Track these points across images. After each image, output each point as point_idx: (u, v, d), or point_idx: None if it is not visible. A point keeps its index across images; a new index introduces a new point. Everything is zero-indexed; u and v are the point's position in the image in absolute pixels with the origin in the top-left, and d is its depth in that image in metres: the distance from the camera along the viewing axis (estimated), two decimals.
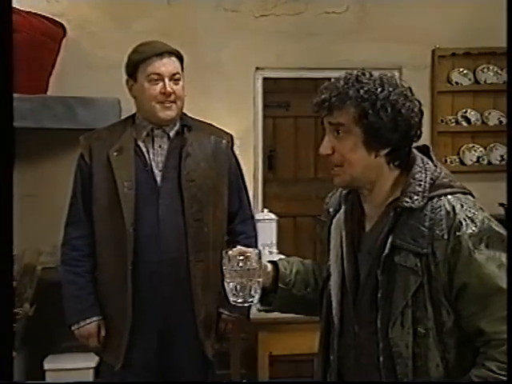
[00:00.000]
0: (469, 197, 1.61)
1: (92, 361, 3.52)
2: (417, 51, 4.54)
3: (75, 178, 2.55)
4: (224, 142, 2.61)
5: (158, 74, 2.45)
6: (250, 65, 4.48)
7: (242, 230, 2.65)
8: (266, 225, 3.20)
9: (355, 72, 1.68)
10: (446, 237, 1.54)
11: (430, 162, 1.66)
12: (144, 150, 2.51)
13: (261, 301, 1.76)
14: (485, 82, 4.64)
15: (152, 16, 4.32)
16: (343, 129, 1.61)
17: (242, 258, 1.64)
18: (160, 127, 2.52)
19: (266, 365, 2.94)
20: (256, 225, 2.72)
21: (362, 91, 1.60)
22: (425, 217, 1.57)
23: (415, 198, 1.58)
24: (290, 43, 4.48)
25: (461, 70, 4.64)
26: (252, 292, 1.64)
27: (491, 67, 4.64)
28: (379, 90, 1.59)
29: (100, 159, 2.49)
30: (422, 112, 1.63)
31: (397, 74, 4.34)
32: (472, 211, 1.56)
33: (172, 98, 2.46)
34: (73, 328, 2.52)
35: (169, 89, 2.44)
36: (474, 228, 1.54)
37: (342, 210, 1.75)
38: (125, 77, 2.55)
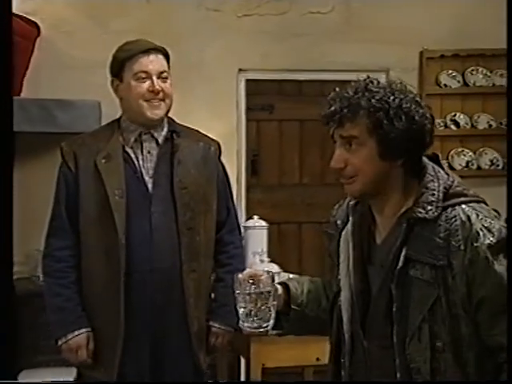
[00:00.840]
0: (483, 205, 1.61)
1: (70, 375, 3.48)
2: (404, 53, 4.57)
3: (58, 186, 2.51)
4: (212, 148, 2.62)
5: (146, 72, 2.44)
6: (232, 66, 4.49)
7: (230, 239, 2.65)
8: (257, 232, 3.18)
9: (362, 79, 1.64)
10: (462, 248, 1.53)
11: (441, 171, 1.65)
12: (133, 156, 2.49)
13: (277, 324, 1.74)
14: (474, 84, 4.67)
15: (131, 15, 4.31)
16: (356, 141, 1.59)
17: (253, 280, 1.63)
18: (148, 132, 2.51)
19: (258, 377, 2.95)
20: (245, 232, 2.73)
21: (373, 100, 1.57)
22: (439, 227, 1.56)
23: (429, 208, 1.58)
24: (273, 44, 4.49)
25: (449, 72, 4.67)
26: (267, 316, 1.63)
27: (480, 69, 4.68)
28: (391, 98, 1.57)
29: (87, 167, 2.46)
30: (433, 117, 1.63)
31: (384, 76, 4.37)
32: (488, 220, 1.56)
33: (160, 95, 2.45)
34: (60, 342, 2.47)
35: (157, 86, 2.43)
36: (491, 238, 1.53)
37: (350, 222, 1.74)
38: (109, 78, 2.52)
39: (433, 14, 4.55)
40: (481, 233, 1.53)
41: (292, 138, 4.78)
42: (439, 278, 1.54)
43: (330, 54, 4.53)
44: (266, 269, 1.67)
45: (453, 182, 1.63)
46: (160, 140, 2.52)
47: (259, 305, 1.61)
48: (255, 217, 3.18)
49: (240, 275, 1.64)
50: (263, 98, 4.71)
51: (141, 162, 2.49)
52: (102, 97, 4.05)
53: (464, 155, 4.65)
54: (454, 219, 1.56)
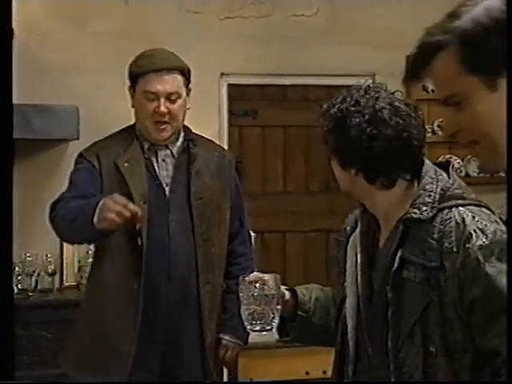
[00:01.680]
0: (483, 209, 1.61)
1: None
2: (391, 57, 4.60)
3: (77, 173, 2.48)
4: (226, 159, 2.66)
5: (153, 93, 2.45)
6: (214, 70, 4.50)
7: (243, 251, 2.69)
8: None
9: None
10: (455, 249, 1.55)
11: (443, 174, 1.67)
12: (153, 162, 2.52)
13: (279, 331, 1.78)
14: None
15: (108, 16, 4.31)
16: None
17: (259, 283, 1.69)
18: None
19: None
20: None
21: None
22: (434, 229, 1.58)
23: (424, 208, 1.60)
24: (257, 47, 4.51)
25: None
26: (270, 319, 1.67)
27: None
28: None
29: (110, 168, 2.47)
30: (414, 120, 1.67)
31: (370, 80, 4.39)
32: (484, 223, 1.56)
33: (166, 118, 2.46)
34: (97, 213, 2.20)
35: (163, 108, 2.44)
36: (484, 239, 1.53)
37: (358, 228, 1.78)
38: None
39: (420, 16, 4.59)
40: (474, 234, 1.54)
41: (276, 144, 4.80)
42: (432, 280, 1.56)
43: (314, 57, 4.56)
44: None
45: (452, 184, 1.65)
46: (175, 151, 2.55)
47: (263, 307, 1.67)
48: None
49: (247, 278, 1.70)
50: (246, 103, 4.73)
51: (157, 170, 2.52)
52: (80, 101, 4.05)
53: None
54: (448, 221, 1.58)
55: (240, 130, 4.78)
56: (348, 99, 1.67)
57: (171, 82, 2.47)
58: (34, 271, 3.98)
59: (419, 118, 1.68)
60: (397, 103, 1.66)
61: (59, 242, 4.19)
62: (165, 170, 2.52)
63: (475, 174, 4.70)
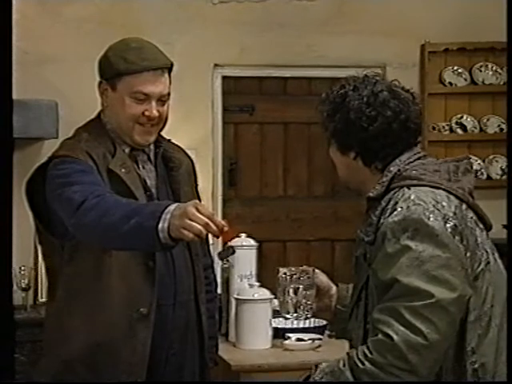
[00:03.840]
0: (438, 191, 1.77)
1: None
2: (403, 46, 4.61)
3: (83, 174, 2.26)
4: (191, 162, 2.61)
5: (146, 95, 2.36)
6: (207, 61, 4.50)
7: (208, 263, 2.64)
8: (245, 252, 3.17)
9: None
10: (379, 225, 1.78)
11: (418, 160, 1.85)
12: (136, 169, 2.42)
13: (331, 325, 2.19)
14: (483, 82, 4.72)
15: (87, 1, 4.30)
16: None
17: (296, 275, 2.04)
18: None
19: None
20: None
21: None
22: (379, 206, 1.81)
23: (377, 187, 1.83)
24: (254, 36, 4.51)
25: (455, 68, 4.72)
26: (303, 309, 2.05)
27: (490, 65, 4.73)
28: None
29: (103, 175, 2.32)
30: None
31: (380, 72, 4.40)
32: (416, 201, 1.73)
33: (155, 121, 2.39)
34: (168, 218, 2.02)
35: (155, 112, 2.36)
36: (398, 216, 1.72)
37: None
38: (97, 78, 2.45)
39: (436, 2, 4.60)
40: (395, 212, 1.73)
41: (275, 143, 4.79)
42: (367, 255, 1.80)
43: (318, 47, 4.56)
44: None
45: (413, 166, 1.82)
46: (151, 155, 2.47)
47: (299, 298, 2.04)
48: (242, 235, 3.17)
49: (281, 268, 2.06)
50: (242, 97, 4.73)
51: (145, 179, 2.43)
52: (58, 96, 4.05)
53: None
54: (391, 199, 1.78)
55: (235, 127, 4.78)
56: (347, 86, 1.86)
57: (164, 83, 2.40)
58: None
59: (417, 104, 1.88)
60: (395, 88, 1.87)
61: (33, 252, 4.19)
62: (147, 178, 2.46)
63: (498, 177, 4.69)
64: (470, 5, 4.59)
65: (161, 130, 2.46)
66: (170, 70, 2.46)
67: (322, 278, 2.10)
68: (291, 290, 2.04)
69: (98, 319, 2.33)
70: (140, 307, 2.31)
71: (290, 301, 2.04)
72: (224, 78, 4.62)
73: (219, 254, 2.14)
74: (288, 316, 2.08)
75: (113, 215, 2.10)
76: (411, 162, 1.84)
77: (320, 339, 2.93)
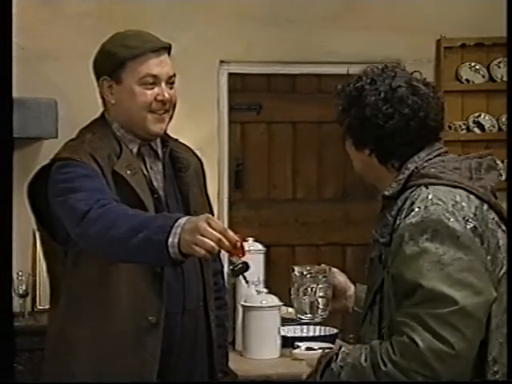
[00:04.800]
0: (457, 191, 1.75)
1: None
2: (418, 41, 4.61)
3: (78, 176, 2.26)
4: (199, 163, 2.62)
5: (155, 76, 2.37)
6: (212, 58, 4.51)
7: (217, 268, 2.65)
8: (253, 257, 3.19)
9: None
10: (396, 226, 1.76)
11: (437, 157, 1.86)
12: (143, 171, 2.42)
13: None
14: (501, 79, 4.71)
15: None
16: None
17: (312, 274, 2.03)
18: (146, 144, 2.45)
19: None
20: None
21: None
22: (395, 206, 1.79)
23: (393, 185, 1.82)
24: (261, 31, 4.52)
25: (472, 64, 4.72)
26: (319, 310, 2.05)
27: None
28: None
29: (109, 178, 2.32)
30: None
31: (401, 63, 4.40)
32: (435, 201, 1.72)
33: (167, 106, 2.40)
34: (177, 233, 2.00)
35: (167, 95, 2.38)
36: (416, 217, 1.71)
37: None
38: (97, 75, 2.44)
39: None
40: (412, 213, 1.72)
41: (283, 143, 4.79)
42: (383, 257, 1.78)
43: (328, 42, 4.56)
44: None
45: (431, 163, 1.82)
46: (160, 153, 2.48)
47: (312, 298, 2.03)
48: (250, 239, 3.18)
49: (297, 268, 2.04)
50: (249, 95, 4.73)
51: (153, 180, 2.44)
52: (58, 95, 4.06)
53: None
54: (407, 199, 1.77)
55: (242, 126, 4.78)
56: (364, 78, 1.85)
57: (169, 64, 2.43)
58: None
59: (438, 99, 1.87)
60: (415, 82, 1.85)
61: (31, 257, 4.20)
62: (154, 180, 2.46)
63: None
64: None
65: (171, 117, 2.47)
66: (169, 51, 2.48)
67: (339, 277, 2.11)
68: (308, 290, 2.02)
69: (105, 328, 2.31)
70: (148, 315, 2.30)
71: (305, 301, 2.03)
72: (230, 75, 4.63)
73: (232, 270, 2.06)
74: (303, 317, 2.07)
75: (120, 228, 2.08)
76: (430, 159, 1.84)
77: (330, 348, 2.94)
